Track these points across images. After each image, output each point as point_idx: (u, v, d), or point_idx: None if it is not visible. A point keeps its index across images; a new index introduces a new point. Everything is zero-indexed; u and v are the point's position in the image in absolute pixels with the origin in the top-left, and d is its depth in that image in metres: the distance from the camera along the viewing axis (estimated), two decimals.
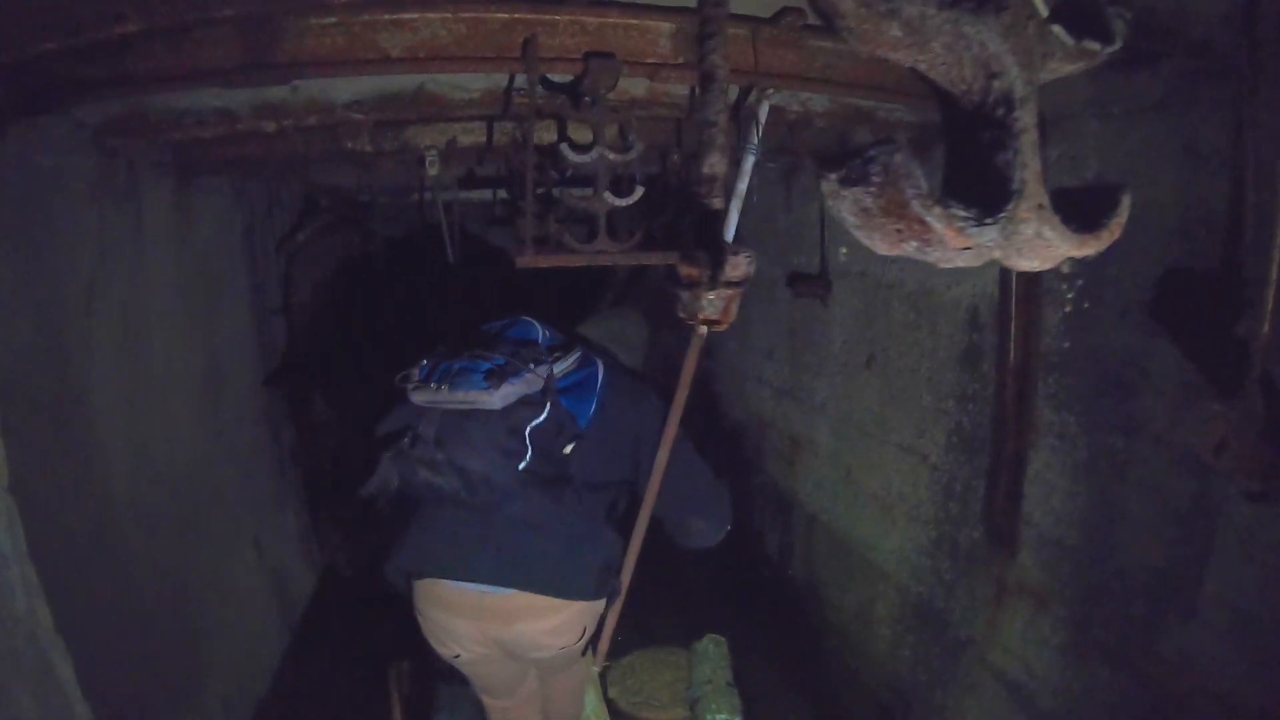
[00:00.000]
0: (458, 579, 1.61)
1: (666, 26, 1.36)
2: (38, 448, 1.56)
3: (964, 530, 2.20)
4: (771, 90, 1.52)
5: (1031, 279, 1.91)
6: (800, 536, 3.20)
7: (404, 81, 1.56)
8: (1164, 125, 1.58)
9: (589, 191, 1.48)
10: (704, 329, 1.42)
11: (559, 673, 1.94)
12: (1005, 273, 1.97)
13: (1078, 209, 0.61)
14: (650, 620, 2.81)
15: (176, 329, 2.32)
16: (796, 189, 3.09)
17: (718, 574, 3.45)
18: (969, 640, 2.14)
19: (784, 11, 1.36)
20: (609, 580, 1.70)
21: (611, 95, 1.47)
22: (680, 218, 2.08)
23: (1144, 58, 1.44)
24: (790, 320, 3.27)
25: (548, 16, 1.27)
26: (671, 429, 1.60)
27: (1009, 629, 2.00)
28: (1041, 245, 0.61)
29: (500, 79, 1.55)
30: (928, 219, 0.56)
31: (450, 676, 2.62)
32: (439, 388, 1.51)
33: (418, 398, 1.55)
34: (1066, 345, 1.85)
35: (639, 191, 1.41)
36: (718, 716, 2.41)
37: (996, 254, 0.62)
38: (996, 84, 0.59)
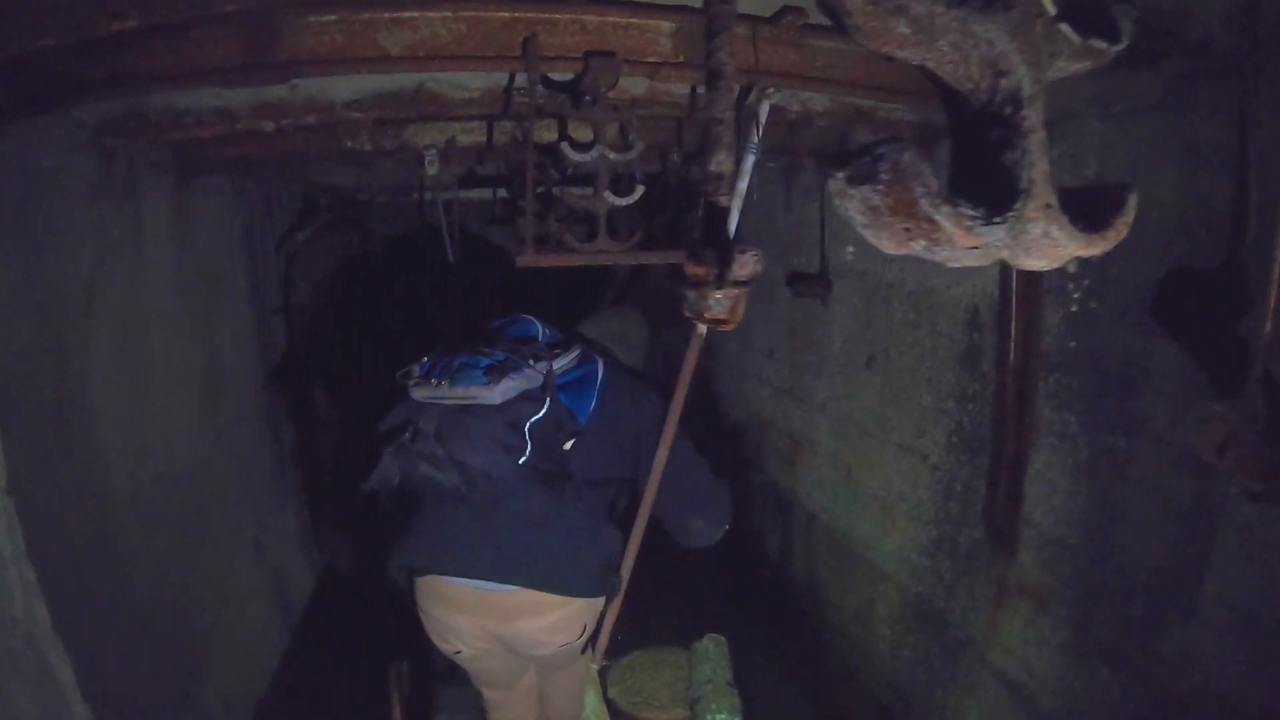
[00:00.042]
0: (459, 575, 1.62)
1: (667, 25, 1.36)
2: (37, 448, 1.56)
3: (964, 530, 2.20)
4: (772, 89, 1.52)
5: (1031, 279, 1.91)
6: (800, 536, 3.20)
7: (403, 80, 1.56)
8: (1164, 125, 1.57)
9: (589, 191, 1.48)
10: (704, 329, 1.42)
11: (559, 670, 1.94)
12: (1005, 272, 1.97)
13: (1084, 208, 0.61)
14: (650, 620, 2.81)
15: (176, 329, 2.32)
16: (797, 188, 3.08)
17: (718, 574, 3.45)
18: (969, 640, 2.14)
19: (784, 10, 1.35)
20: (609, 577, 1.70)
21: (611, 94, 1.47)
22: (681, 217, 2.08)
23: (1145, 57, 1.44)
24: (790, 320, 3.26)
25: (548, 15, 1.27)
26: (671, 428, 1.60)
27: (1009, 629, 2.00)
28: (1049, 245, 0.61)
29: (500, 78, 1.55)
30: (936, 218, 0.56)
31: (450, 677, 2.62)
32: (439, 383, 1.53)
33: (419, 394, 1.56)
34: (1067, 345, 1.85)
35: (639, 190, 1.41)
36: (718, 716, 2.41)
37: (1004, 253, 0.62)
38: (1004, 82, 0.59)
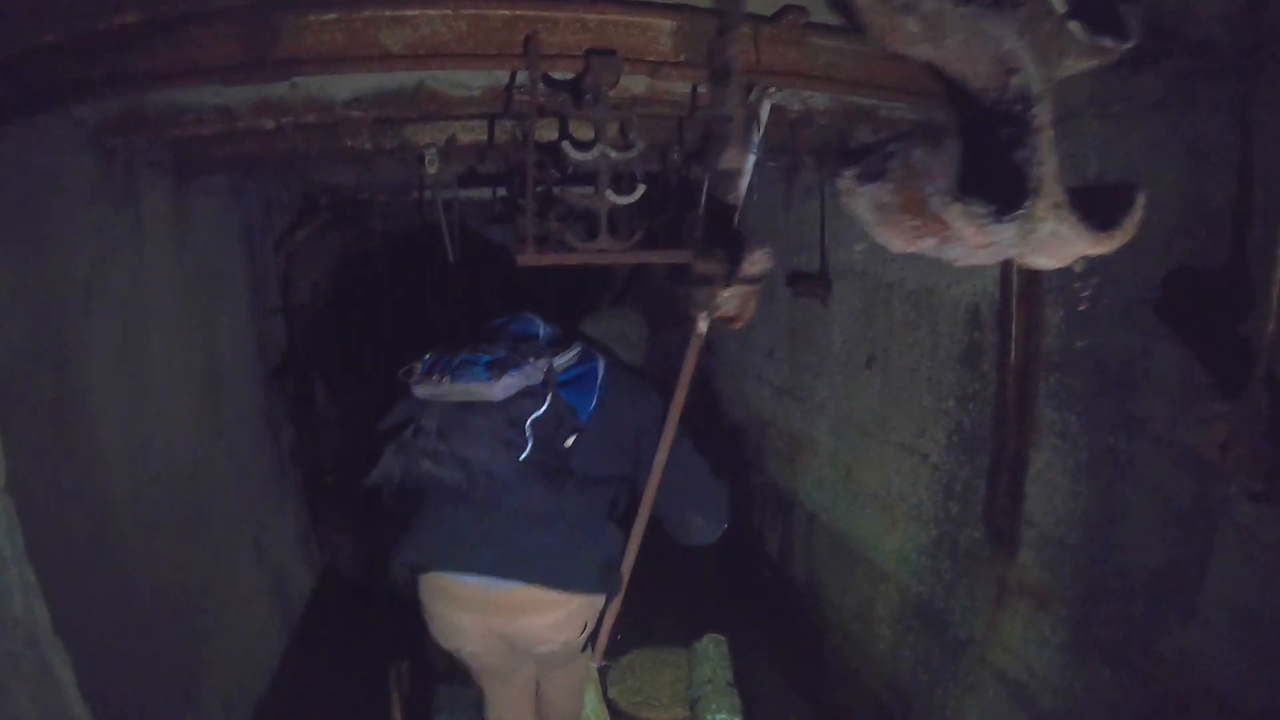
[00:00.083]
0: (461, 572, 1.62)
1: (668, 24, 1.35)
2: (36, 449, 1.55)
3: (964, 530, 2.20)
4: (773, 89, 1.52)
5: (1032, 278, 1.91)
6: (800, 536, 3.20)
7: (404, 79, 1.55)
8: (1165, 125, 1.57)
9: (590, 189, 1.48)
10: (705, 328, 1.42)
11: (559, 668, 1.94)
12: (1006, 272, 1.97)
13: (1092, 207, 0.60)
14: (650, 620, 2.81)
15: (176, 329, 2.31)
16: (797, 188, 3.08)
17: (718, 573, 3.45)
18: (969, 640, 2.14)
19: (786, 9, 1.35)
20: (610, 575, 1.71)
21: (612, 93, 1.46)
22: (681, 216, 2.08)
23: (1145, 57, 1.44)
24: (790, 319, 3.26)
25: (549, 14, 1.26)
26: (671, 427, 1.60)
27: (1009, 629, 2.00)
28: (1058, 243, 0.60)
29: (501, 76, 1.54)
30: (947, 215, 0.56)
31: (450, 677, 2.62)
32: (441, 380, 1.54)
33: (420, 391, 1.57)
34: (1068, 345, 1.85)
35: (641, 189, 1.41)
36: (718, 716, 2.41)
37: (1013, 252, 0.61)
38: (1014, 80, 0.59)
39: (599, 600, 1.74)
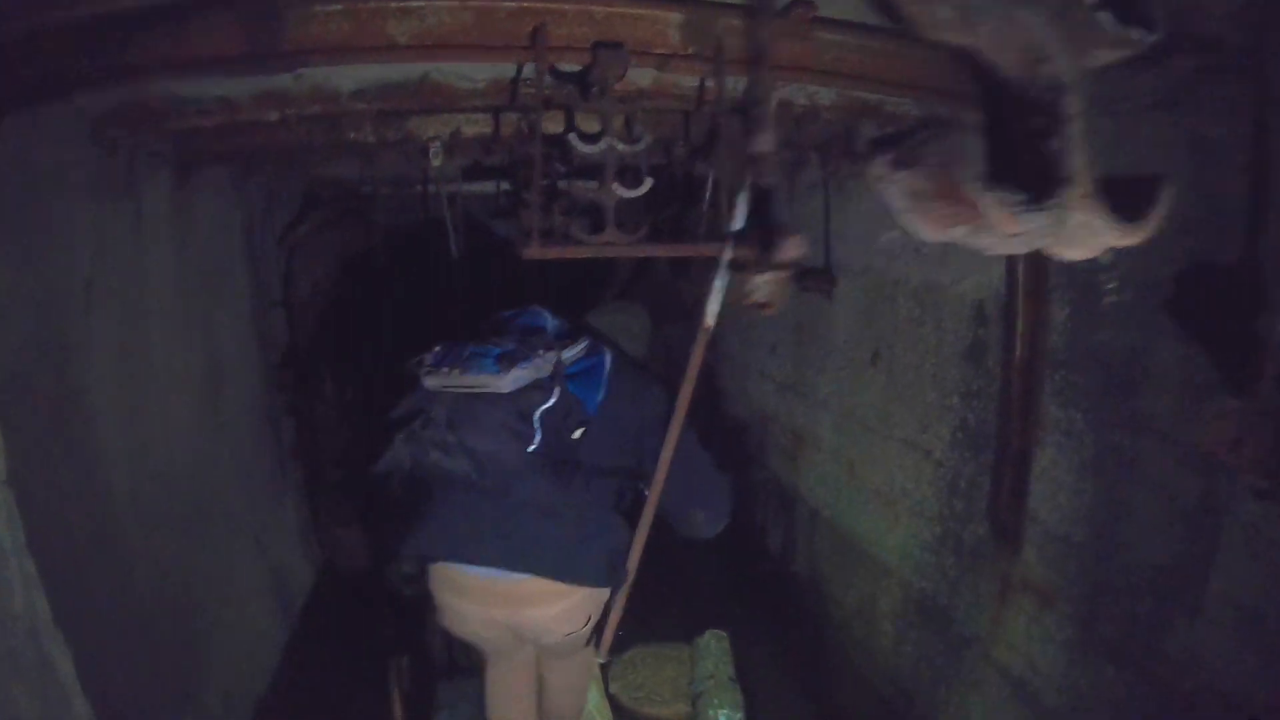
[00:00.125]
0: (467, 563, 1.65)
1: (675, 17, 1.34)
2: (37, 444, 1.54)
3: (968, 526, 2.19)
4: (780, 83, 1.51)
5: (1038, 275, 1.90)
6: (803, 532, 3.20)
7: (408, 71, 1.54)
8: (1169, 123, 1.57)
9: (594, 184, 1.47)
10: (712, 322, 1.41)
11: (562, 659, 1.97)
12: (1012, 269, 1.96)
13: (1119, 198, 0.60)
14: (652, 615, 2.80)
15: (176, 324, 2.30)
16: (801, 183, 3.07)
17: (720, 569, 3.45)
18: (973, 637, 2.14)
19: (794, 3, 1.34)
20: (616, 568, 1.72)
21: (618, 86, 1.45)
22: (686, 211, 2.07)
23: (1153, 54, 1.43)
24: (794, 315, 3.26)
25: (556, 6, 1.25)
26: (678, 422, 1.61)
27: (1013, 626, 1.99)
28: (1088, 234, 0.60)
29: (506, 69, 1.53)
30: (983, 203, 0.55)
31: (450, 673, 2.62)
32: (451, 372, 1.56)
33: (430, 382, 1.59)
34: (1073, 342, 1.84)
35: (648, 183, 1.40)
36: (720, 712, 2.41)
37: (1043, 242, 0.61)
38: (1045, 69, 0.58)
39: (604, 593, 1.76)
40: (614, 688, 2.61)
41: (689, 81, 1.65)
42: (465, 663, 2.61)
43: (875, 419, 2.67)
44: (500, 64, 1.49)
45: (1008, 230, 0.58)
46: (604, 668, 2.35)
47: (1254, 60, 1.27)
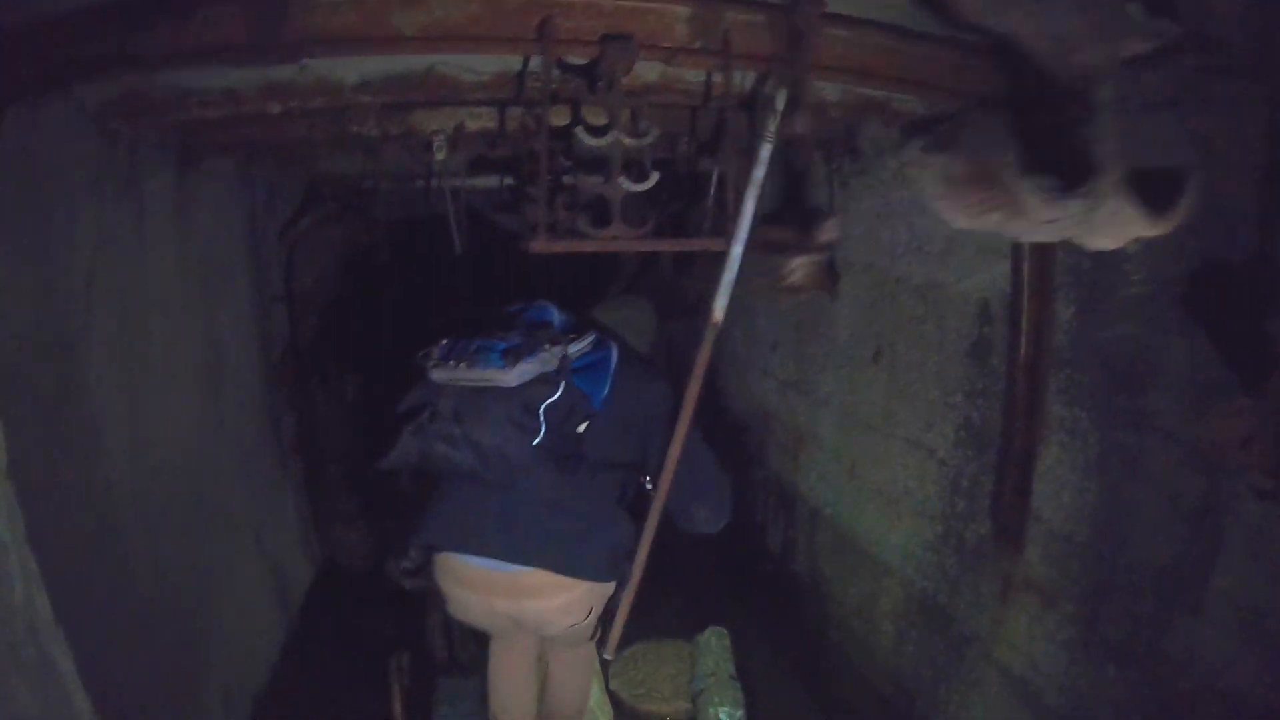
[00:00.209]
0: (471, 554, 1.67)
1: (683, 10, 1.33)
2: (37, 437, 1.53)
3: (971, 525, 2.19)
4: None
5: (1044, 273, 1.90)
6: (803, 530, 3.20)
7: (414, 63, 1.53)
8: (1175, 122, 1.55)
9: (600, 178, 1.46)
10: (720, 318, 1.41)
11: (565, 649, 2.00)
12: (1017, 266, 1.95)
13: (1146, 190, 0.59)
14: (653, 613, 2.79)
15: (177, 317, 2.29)
16: (805, 180, 3.06)
17: (721, 567, 3.44)
18: (974, 636, 2.13)
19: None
20: (619, 564, 1.73)
21: (625, 80, 1.45)
22: (690, 207, 2.06)
23: (1158, 54, 1.42)
24: (796, 313, 3.25)
25: None
26: (685, 418, 1.61)
27: (1015, 625, 1.99)
28: (1118, 222, 0.59)
29: (512, 62, 1.52)
30: (1018, 188, 0.55)
31: (450, 669, 2.62)
32: (457, 366, 1.57)
33: (437, 375, 1.61)
34: (1078, 340, 1.84)
35: (655, 176, 1.39)
36: (720, 709, 2.41)
37: (1074, 230, 0.60)
38: (1076, 58, 0.57)
39: (607, 588, 1.77)
40: (614, 684, 2.61)
41: (695, 76, 1.64)
42: (465, 659, 2.61)
43: (877, 417, 2.67)
44: (507, 57, 1.48)
45: (1042, 217, 0.58)
46: (605, 664, 2.35)
47: (1257, 59, 1.26)
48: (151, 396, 2.08)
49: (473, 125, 1.93)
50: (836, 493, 2.95)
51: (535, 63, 1.47)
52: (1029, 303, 1.93)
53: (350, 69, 1.54)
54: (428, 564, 1.80)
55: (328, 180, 3.18)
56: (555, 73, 1.39)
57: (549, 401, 1.56)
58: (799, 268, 0.93)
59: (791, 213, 0.92)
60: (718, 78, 1.57)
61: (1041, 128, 0.58)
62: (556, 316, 1.79)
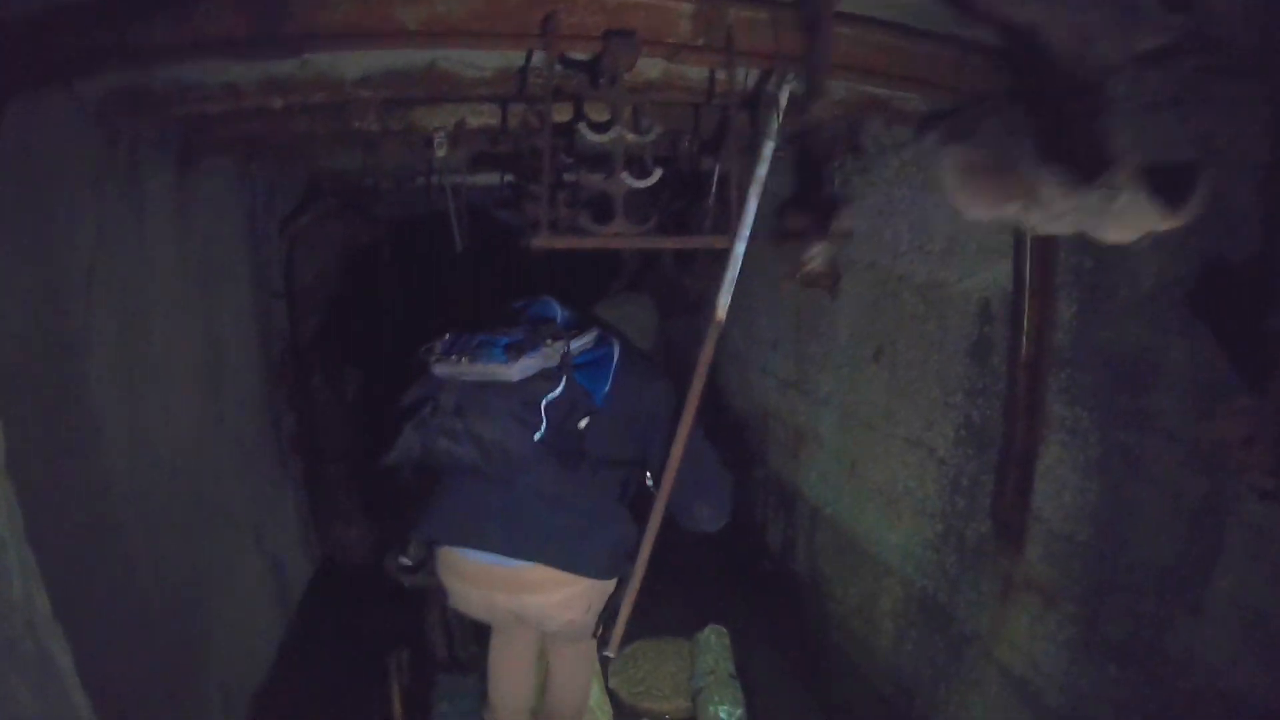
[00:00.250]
0: (472, 549, 1.68)
1: (687, 7, 1.33)
2: (36, 434, 1.53)
3: (971, 525, 2.19)
4: (792, 75, 1.50)
5: (1047, 272, 1.89)
6: (803, 529, 3.19)
7: (415, 58, 1.52)
8: (1177, 121, 1.55)
9: (602, 175, 1.46)
10: (723, 315, 1.40)
11: (566, 645, 2.01)
12: (1019, 266, 1.95)
13: (1159, 184, 0.59)
14: (653, 611, 2.79)
15: (178, 315, 2.28)
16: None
17: (720, 565, 3.44)
18: (974, 635, 2.13)
19: None
20: (619, 562, 1.74)
21: (627, 76, 1.44)
22: (692, 205, 2.06)
23: (1166, 50, 1.42)
24: (796, 311, 3.25)
25: None
26: (688, 416, 1.61)
27: (1015, 624, 1.99)
28: (1133, 214, 0.59)
29: (514, 57, 1.52)
30: (1037, 177, 0.54)
31: (450, 666, 2.62)
32: (460, 360, 1.58)
33: (439, 370, 1.62)
34: (1080, 340, 1.83)
35: (657, 173, 1.39)
36: (720, 708, 2.40)
37: (1090, 222, 0.60)
38: (1092, 51, 0.57)
39: (607, 585, 1.78)
40: (614, 682, 2.60)
41: (697, 74, 1.64)
42: (465, 658, 2.61)
43: (878, 416, 2.67)
44: (509, 52, 1.48)
45: (1060, 208, 0.57)
46: (605, 662, 2.35)
47: (1266, 60, 1.26)
48: (151, 394, 2.08)
49: (474, 122, 1.93)
50: (836, 492, 2.95)
51: (538, 58, 1.47)
52: (1030, 302, 1.93)
53: (352, 64, 1.54)
54: (427, 562, 1.81)
55: (328, 177, 3.18)
56: (558, 68, 1.38)
57: (550, 397, 1.57)
58: (818, 255, 0.93)
59: (809, 200, 0.92)
60: (721, 75, 1.57)
61: (1055, 121, 0.57)
62: (559, 313, 1.80)
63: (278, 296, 3.30)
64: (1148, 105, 1.60)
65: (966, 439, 2.23)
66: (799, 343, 3.26)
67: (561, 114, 1.72)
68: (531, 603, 1.71)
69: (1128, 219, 0.57)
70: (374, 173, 2.68)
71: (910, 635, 2.41)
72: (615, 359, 1.71)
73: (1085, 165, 0.53)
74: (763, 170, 1.44)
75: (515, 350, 1.57)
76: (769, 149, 1.45)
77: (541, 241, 1.36)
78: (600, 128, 1.37)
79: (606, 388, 1.67)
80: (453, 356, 1.61)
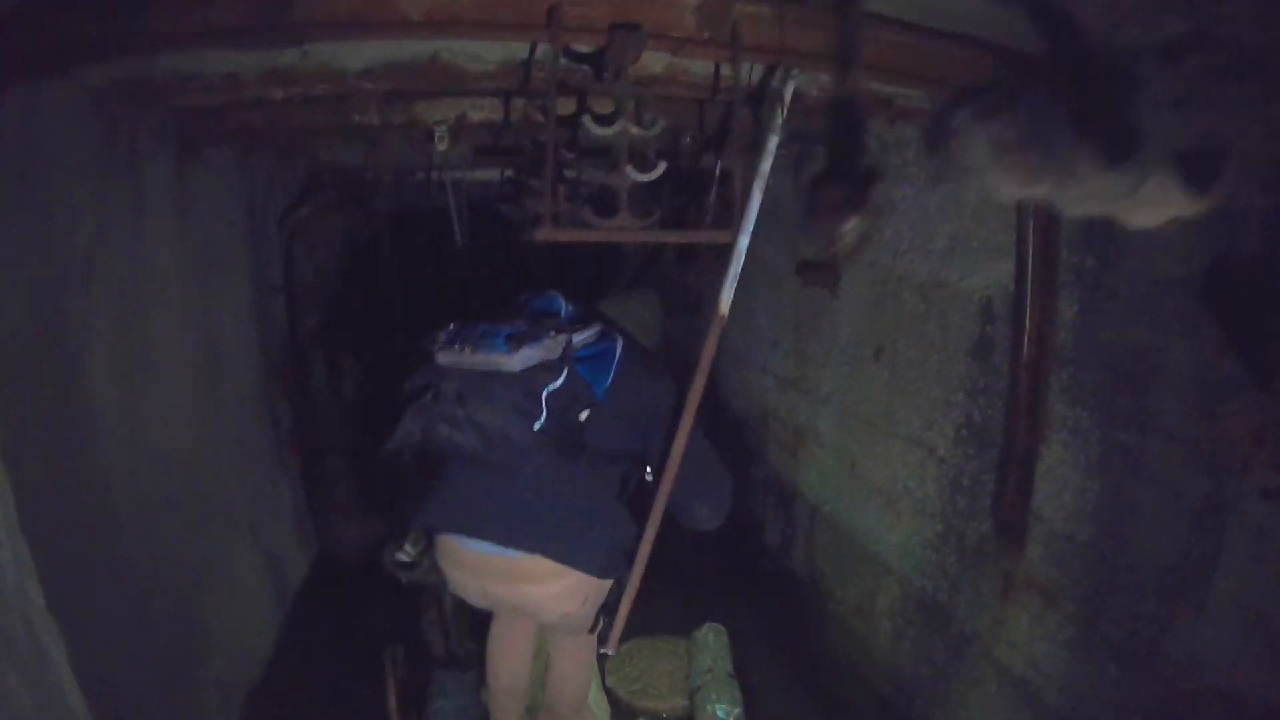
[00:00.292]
0: (469, 537, 1.69)
1: (692, 1, 1.32)
2: (34, 427, 1.52)
3: (971, 524, 2.19)
4: (797, 70, 1.49)
5: (1049, 272, 1.89)
6: (802, 528, 3.19)
7: (418, 49, 1.51)
8: (1179, 121, 1.55)
9: (605, 169, 1.45)
10: (726, 310, 1.40)
11: (565, 638, 2.01)
12: (1022, 265, 1.95)
13: (1187, 169, 0.58)
14: (650, 609, 2.79)
15: (176, 307, 2.27)
16: (806, 176, 3.05)
17: (718, 564, 3.44)
18: (974, 635, 2.13)
19: None
20: (617, 562, 1.74)
21: (631, 70, 1.43)
22: (694, 201, 2.05)
23: (1164, 54, 1.42)
24: (796, 310, 3.24)
25: None
26: (690, 413, 1.61)
27: (1016, 624, 1.99)
28: (1161, 198, 0.59)
29: (517, 50, 1.51)
30: (1073, 155, 0.54)
31: (446, 663, 2.61)
32: (462, 349, 1.60)
33: (442, 358, 1.63)
34: (1082, 339, 1.83)
35: (661, 166, 1.38)
36: (717, 706, 2.40)
37: (1119, 205, 0.59)
38: (1121, 32, 0.56)
39: (604, 582, 1.78)
40: (611, 681, 2.60)
41: (701, 68, 1.63)
42: (463, 654, 2.60)
43: (878, 415, 2.66)
44: (513, 44, 1.47)
45: (1092, 188, 0.57)
46: (602, 660, 2.34)
47: (1273, 60, 1.25)
48: (149, 384, 2.06)
49: (475, 116, 1.92)
50: (836, 490, 2.94)
51: (541, 51, 1.46)
52: (1032, 301, 1.92)
53: (354, 55, 1.53)
54: (425, 555, 1.83)
55: (328, 171, 3.16)
56: (562, 61, 1.37)
57: (551, 388, 1.58)
58: (852, 230, 0.92)
59: (844, 172, 0.91)
60: (725, 69, 1.56)
61: (1087, 102, 0.57)
62: (564, 307, 1.81)
63: (277, 290, 3.28)
64: (1154, 104, 1.60)
65: (967, 438, 2.22)
66: (799, 341, 3.26)
67: (564, 108, 1.71)
68: (528, 593, 1.72)
69: (1156, 202, 0.56)
70: (374, 167, 2.67)
71: (909, 634, 2.41)
72: (618, 354, 1.71)
73: (1114, 148, 0.53)
74: (766, 165, 1.44)
75: (517, 341, 1.58)
76: (773, 144, 1.45)
77: (544, 234, 1.35)
78: (604, 121, 1.36)
79: (608, 381, 1.67)
80: (456, 346, 1.62)
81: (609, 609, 1.84)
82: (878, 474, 2.66)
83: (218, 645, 2.30)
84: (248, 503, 2.80)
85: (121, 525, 1.86)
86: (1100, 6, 0.55)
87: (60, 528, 1.54)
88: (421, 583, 2.40)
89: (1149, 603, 1.63)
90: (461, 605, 2.46)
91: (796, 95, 1.84)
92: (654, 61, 1.57)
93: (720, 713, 2.38)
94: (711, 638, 2.70)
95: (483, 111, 1.93)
